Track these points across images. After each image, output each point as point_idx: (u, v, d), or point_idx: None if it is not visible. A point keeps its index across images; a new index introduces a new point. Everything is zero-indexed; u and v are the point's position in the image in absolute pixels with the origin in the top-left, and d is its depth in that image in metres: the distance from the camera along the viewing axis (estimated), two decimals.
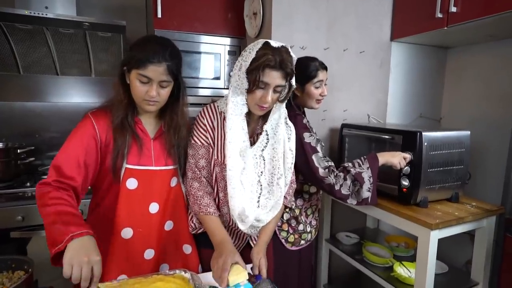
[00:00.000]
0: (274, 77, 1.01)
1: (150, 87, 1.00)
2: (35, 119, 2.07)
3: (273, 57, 0.99)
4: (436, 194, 1.51)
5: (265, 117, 1.15)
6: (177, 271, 1.01)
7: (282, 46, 1.02)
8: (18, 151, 1.82)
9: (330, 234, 1.99)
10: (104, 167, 1.04)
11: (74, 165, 0.97)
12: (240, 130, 1.08)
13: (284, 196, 1.21)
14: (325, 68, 1.50)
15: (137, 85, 1.00)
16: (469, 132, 1.54)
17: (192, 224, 1.19)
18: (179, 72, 1.07)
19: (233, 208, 1.08)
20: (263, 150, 1.14)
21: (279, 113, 1.13)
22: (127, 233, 1.07)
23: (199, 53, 1.98)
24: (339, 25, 1.89)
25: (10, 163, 1.75)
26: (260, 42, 1.02)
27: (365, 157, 1.41)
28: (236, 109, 1.07)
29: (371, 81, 2.04)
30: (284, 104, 1.14)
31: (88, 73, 2.12)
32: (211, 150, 1.14)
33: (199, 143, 1.14)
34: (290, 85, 1.09)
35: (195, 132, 1.15)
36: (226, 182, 1.09)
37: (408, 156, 1.42)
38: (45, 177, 1.83)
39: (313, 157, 1.37)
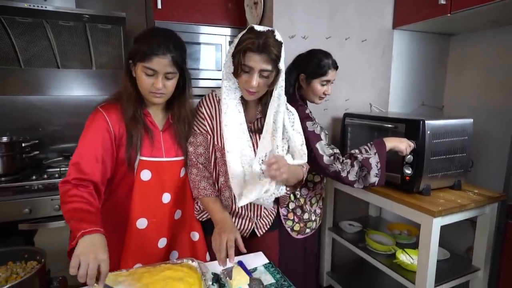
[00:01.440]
0: (256, 61, 1.00)
1: (155, 79, 1.01)
2: (38, 113, 2.07)
3: (255, 41, 0.99)
4: (438, 182, 1.52)
5: (261, 100, 1.15)
6: (185, 260, 1.04)
7: (268, 30, 1.02)
8: (23, 144, 1.83)
9: (333, 223, 2.02)
10: (118, 160, 1.05)
11: (92, 160, 0.98)
12: (236, 113, 1.10)
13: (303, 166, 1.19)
14: (336, 68, 1.49)
15: (143, 78, 1.01)
16: (472, 120, 1.54)
17: (197, 207, 1.21)
18: (184, 63, 1.07)
19: (235, 188, 1.09)
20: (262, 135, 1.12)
21: (278, 102, 1.09)
22: (142, 223, 1.10)
23: (200, 44, 1.97)
24: (340, 13, 1.87)
25: (15, 157, 1.76)
26: (248, 27, 1.04)
27: (371, 143, 1.41)
28: (229, 93, 1.09)
29: (373, 70, 2.03)
30: (283, 93, 1.11)
31: (89, 65, 2.11)
32: (209, 137, 1.16)
33: (198, 131, 1.16)
34: (278, 70, 1.05)
35: (194, 121, 1.17)
36: (226, 166, 1.10)
37: (412, 144, 1.43)
38: (51, 170, 1.87)
39: (317, 145, 1.37)
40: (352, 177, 1.37)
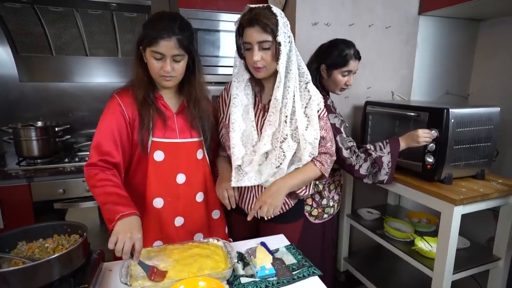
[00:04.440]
0: (251, 34, 1.03)
1: (164, 62, 1.04)
2: (68, 99, 2.17)
3: (248, 16, 1.03)
4: (461, 171, 1.51)
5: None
6: (211, 240, 1.10)
7: (263, 6, 1.05)
8: (56, 129, 1.93)
9: (351, 210, 2.04)
10: (133, 142, 1.11)
11: (111, 141, 1.05)
12: (243, 95, 1.15)
13: (318, 161, 1.16)
14: (359, 58, 1.47)
15: (152, 62, 1.05)
16: (498, 109, 1.51)
17: None
18: (191, 44, 1.08)
19: (234, 165, 1.15)
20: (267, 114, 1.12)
21: (287, 78, 1.08)
22: (158, 202, 1.15)
23: (220, 31, 1.98)
24: (364, 0, 1.84)
25: (49, 141, 1.86)
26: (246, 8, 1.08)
27: (387, 140, 1.44)
28: (238, 76, 1.15)
29: (396, 57, 2.00)
30: (294, 69, 1.08)
31: (115, 53, 2.18)
32: (221, 116, 1.24)
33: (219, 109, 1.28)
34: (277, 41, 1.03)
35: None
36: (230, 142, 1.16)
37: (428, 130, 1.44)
38: (81, 154, 1.97)
39: (338, 138, 1.41)
40: (363, 171, 1.44)
